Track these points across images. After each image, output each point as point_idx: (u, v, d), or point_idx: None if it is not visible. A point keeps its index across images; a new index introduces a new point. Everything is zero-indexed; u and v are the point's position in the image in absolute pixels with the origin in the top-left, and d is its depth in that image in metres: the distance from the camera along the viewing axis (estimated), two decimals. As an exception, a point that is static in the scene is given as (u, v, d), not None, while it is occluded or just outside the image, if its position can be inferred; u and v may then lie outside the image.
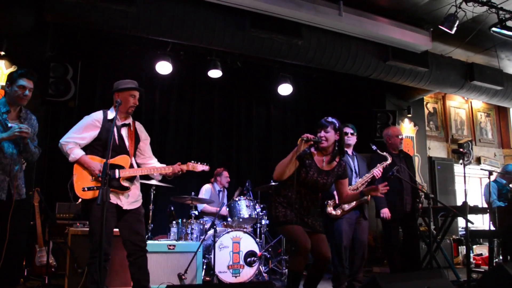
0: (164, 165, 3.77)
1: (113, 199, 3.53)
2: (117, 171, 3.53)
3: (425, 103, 8.56)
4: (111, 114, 3.66)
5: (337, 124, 3.67)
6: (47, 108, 5.78)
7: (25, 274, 4.85)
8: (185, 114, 7.34)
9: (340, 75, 6.80)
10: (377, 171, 4.61)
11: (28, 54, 5.45)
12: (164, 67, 6.49)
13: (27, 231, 4.92)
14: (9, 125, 3.46)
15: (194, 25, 5.30)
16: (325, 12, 5.53)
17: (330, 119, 3.71)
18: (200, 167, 3.77)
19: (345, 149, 4.72)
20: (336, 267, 4.65)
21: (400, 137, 5.22)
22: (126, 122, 3.71)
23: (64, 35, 6.01)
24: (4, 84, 5.25)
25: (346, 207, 4.57)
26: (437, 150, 8.67)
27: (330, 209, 4.59)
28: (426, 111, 8.60)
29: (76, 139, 3.56)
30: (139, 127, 3.84)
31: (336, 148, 3.67)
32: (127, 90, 3.68)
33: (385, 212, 4.96)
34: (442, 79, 6.89)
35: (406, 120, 8.01)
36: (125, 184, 3.58)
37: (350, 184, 4.64)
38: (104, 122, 3.62)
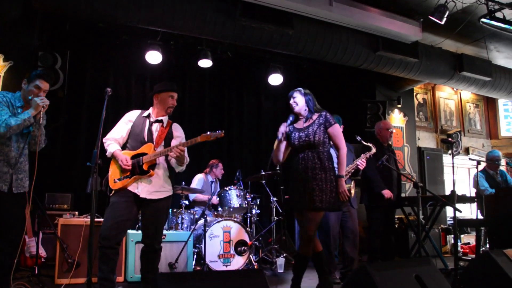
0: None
1: (132, 187, 3.59)
2: (141, 158, 3.61)
3: (414, 93, 8.62)
4: (148, 112, 3.82)
5: (301, 90, 3.90)
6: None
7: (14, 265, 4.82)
8: (176, 104, 7.30)
9: (331, 66, 6.81)
10: (361, 161, 4.64)
11: (16, 42, 5.39)
12: (154, 57, 6.44)
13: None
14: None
15: (185, 13, 5.27)
16: (316, 2, 5.53)
17: (296, 89, 3.93)
18: (214, 135, 3.60)
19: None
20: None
21: (390, 130, 5.30)
22: (159, 118, 3.79)
23: (53, 24, 5.93)
24: (-8, 73, 5.27)
25: None
26: (427, 140, 8.75)
27: None
28: (415, 102, 8.66)
29: (114, 135, 3.77)
30: (175, 126, 3.90)
31: (307, 110, 3.83)
32: (166, 91, 3.79)
33: (387, 193, 4.99)
34: (431, 70, 6.93)
35: (396, 110, 8.06)
36: (147, 169, 3.60)
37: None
38: (138, 118, 3.79)
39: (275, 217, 5.89)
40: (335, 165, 3.84)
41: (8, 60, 5.38)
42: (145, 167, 3.59)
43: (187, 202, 5.68)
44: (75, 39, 6.25)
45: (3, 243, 3.48)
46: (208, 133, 3.53)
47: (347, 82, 7.94)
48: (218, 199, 5.91)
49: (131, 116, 3.83)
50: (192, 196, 6.33)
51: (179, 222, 5.41)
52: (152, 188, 3.63)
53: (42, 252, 4.96)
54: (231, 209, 5.59)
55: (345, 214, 4.76)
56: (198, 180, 6.45)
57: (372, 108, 7.28)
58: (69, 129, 6.36)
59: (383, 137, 5.23)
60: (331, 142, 3.80)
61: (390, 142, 5.36)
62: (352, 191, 4.69)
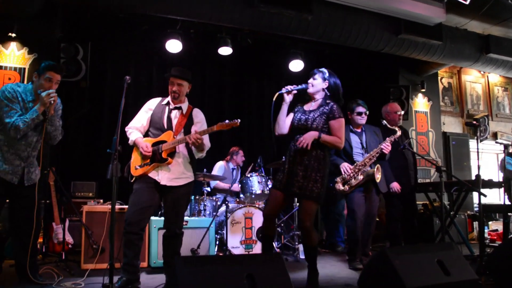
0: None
1: (153, 174, 3.67)
2: (160, 145, 3.66)
3: (439, 78, 8.40)
4: (167, 99, 3.85)
5: (326, 73, 3.79)
6: (60, 88, 5.83)
7: (43, 250, 4.97)
8: (196, 92, 7.32)
9: (352, 50, 6.68)
10: (386, 145, 4.58)
11: (39, 35, 5.51)
12: (174, 46, 6.46)
13: (44, 210, 5.04)
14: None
15: (203, 1, 5.26)
16: (335, -15, 5.44)
17: (321, 69, 3.83)
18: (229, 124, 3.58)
19: (354, 128, 4.77)
20: (352, 241, 4.69)
21: (398, 113, 5.22)
22: (178, 105, 3.82)
23: (74, 16, 6.01)
24: (18, 66, 5.40)
25: (353, 182, 4.55)
26: (452, 125, 8.55)
27: (338, 186, 4.59)
28: (440, 86, 8.45)
29: (135, 124, 3.84)
30: (196, 112, 3.91)
31: (323, 96, 3.74)
32: (168, 77, 3.83)
33: (395, 186, 4.98)
34: (456, 52, 6.73)
35: (420, 95, 7.89)
36: (166, 157, 3.65)
37: (351, 160, 4.64)
38: (158, 106, 3.84)
39: (297, 203, 5.88)
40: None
41: (32, 53, 5.51)
42: (164, 155, 3.64)
43: (209, 189, 5.73)
44: (96, 30, 6.33)
45: (19, 232, 3.59)
46: (226, 121, 3.52)
47: (369, 67, 7.78)
48: (239, 186, 5.95)
49: (151, 104, 3.88)
50: (213, 184, 6.38)
51: (202, 209, 5.46)
52: (172, 175, 3.68)
53: (69, 238, 5.11)
54: (253, 196, 5.61)
55: (365, 197, 4.72)
56: (219, 168, 6.50)
57: (395, 93, 7.14)
58: (92, 118, 6.49)
59: (391, 121, 5.14)
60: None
61: (400, 124, 5.24)
62: (378, 176, 4.63)
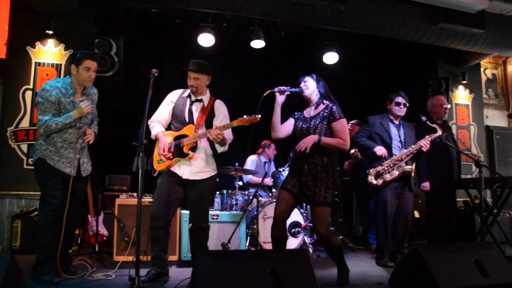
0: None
1: (175, 168, 3.68)
2: (181, 140, 3.65)
3: (482, 69, 8.00)
4: (188, 91, 3.84)
5: (314, 76, 3.70)
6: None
7: (79, 242, 5.09)
8: (230, 86, 7.33)
9: (388, 41, 6.47)
10: (425, 143, 4.40)
11: (74, 32, 5.62)
12: (206, 40, 6.44)
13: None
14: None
15: (234, -6, 5.22)
16: (369, -27, 5.27)
17: (309, 74, 3.73)
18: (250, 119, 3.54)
19: (393, 119, 4.60)
20: (380, 238, 4.56)
21: (445, 106, 5.00)
22: (199, 98, 3.79)
23: (108, 12, 6.11)
24: (55, 62, 5.54)
25: (388, 177, 4.40)
26: (496, 119, 8.13)
27: (371, 178, 4.45)
28: (483, 78, 8.05)
29: (157, 117, 3.85)
30: (217, 104, 3.88)
31: (319, 96, 3.65)
32: (187, 71, 3.79)
33: (426, 186, 4.81)
34: (501, 41, 6.37)
35: (461, 87, 7.54)
36: (187, 151, 3.64)
37: (390, 154, 4.48)
38: (179, 98, 3.83)
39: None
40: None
41: (68, 49, 5.63)
42: (185, 150, 3.63)
43: (241, 183, 5.70)
44: (129, 25, 6.41)
45: (68, 221, 3.67)
46: (245, 117, 3.48)
47: (406, 59, 7.51)
48: (272, 180, 5.88)
49: (173, 96, 3.87)
50: (246, 178, 6.35)
51: (233, 203, 5.44)
52: (194, 169, 3.66)
53: (104, 231, 5.21)
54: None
55: (402, 197, 4.55)
56: (251, 162, 6.45)
57: (434, 85, 6.84)
58: (126, 112, 6.59)
59: (437, 114, 4.93)
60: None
61: (445, 118, 5.02)
62: (413, 174, 4.48)
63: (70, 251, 4.07)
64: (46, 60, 5.55)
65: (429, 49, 6.80)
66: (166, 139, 3.70)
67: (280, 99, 3.63)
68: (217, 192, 5.51)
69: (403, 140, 4.58)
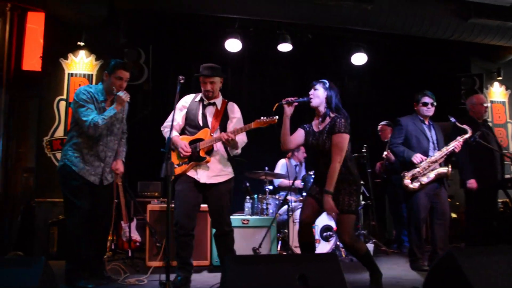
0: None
1: (191, 173, 3.68)
2: (197, 144, 3.67)
3: (519, 63, 7.72)
4: (201, 95, 3.83)
5: (327, 83, 3.52)
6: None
7: (113, 247, 5.19)
8: (257, 90, 7.34)
9: (417, 40, 6.33)
10: (457, 144, 4.27)
11: (104, 42, 5.77)
12: (233, 45, 6.48)
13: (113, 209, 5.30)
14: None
15: (259, -2, 5.24)
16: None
17: (322, 80, 3.56)
18: (267, 121, 3.53)
19: (423, 119, 4.48)
20: (412, 241, 4.44)
21: (485, 105, 4.84)
22: (212, 101, 3.80)
23: (136, 22, 6.24)
24: (87, 72, 5.70)
25: (425, 180, 4.29)
26: (536, 116, 7.82)
27: (407, 182, 4.35)
28: (520, 73, 7.76)
29: (168, 122, 3.85)
30: (230, 107, 3.88)
31: (327, 107, 3.48)
32: (200, 76, 3.78)
33: (472, 183, 4.64)
34: (538, 34, 6.14)
35: (496, 84, 7.28)
36: (203, 155, 3.66)
37: (425, 155, 4.36)
38: (192, 103, 3.83)
39: (363, 202, 5.67)
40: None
41: (99, 59, 5.79)
42: (201, 154, 3.64)
43: (271, 187, 5.68)
44: (156, 34, 6.53)
45: (98, 228, 3.75)
46: (262, 118, 3.47)
47: (436, 56, 7.32)
48: (302, 183, 5.84)
49: (185, 101, 3.86)
50: (277, 182, 6.32)
51: (264, 207, 5.43)
52: (211, 172, 3.67)
53: (137, 236, 5.29)
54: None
55: (435, 197, 4.42)
56: (281, 165, 6.42)
57: (466, 83, 6.64)
58: (156, 119, 6.67)
59: (477, 113, 4.77)
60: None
61: (485, 118, 4.86)
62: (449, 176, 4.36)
63: (105, 256, 4.15)
64: (78, 71, 5.72)
65: (460, 46, 6.62)
66: (181, 141, 3.70)
67: (288, 110, 3.50)
68: (248, 197, 5.51)
69: (435, 141, 4.47)
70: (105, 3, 5.34)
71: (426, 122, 4.55)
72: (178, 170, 3.69)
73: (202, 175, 3.66)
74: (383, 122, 6.15)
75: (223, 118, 3.76)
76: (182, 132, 3.86)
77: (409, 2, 5.49)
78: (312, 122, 3.62)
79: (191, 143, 3.70)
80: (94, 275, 3.73)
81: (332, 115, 3.45)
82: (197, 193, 3.68)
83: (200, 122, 3.73)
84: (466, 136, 4.35)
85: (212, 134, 3.67)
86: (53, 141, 5.51)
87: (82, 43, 5.68)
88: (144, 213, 5.01)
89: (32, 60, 6.16)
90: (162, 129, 3.89)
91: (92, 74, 5.73)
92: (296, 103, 3.51)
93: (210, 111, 3.78)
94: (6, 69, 5.99)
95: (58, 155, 5.49)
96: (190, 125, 3.77)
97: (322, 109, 3.50)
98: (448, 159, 4.41)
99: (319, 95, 3.48)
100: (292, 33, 6.58)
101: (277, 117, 3.43)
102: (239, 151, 3.77)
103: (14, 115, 6.05)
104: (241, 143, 3.71)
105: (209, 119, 3.75)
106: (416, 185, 4.31)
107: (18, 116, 6.08)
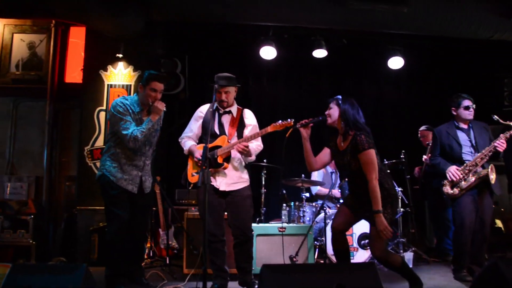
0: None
1: (211, 180, 3.71)
2: (215, 151, 3.72)
3: None
4: (216, 104, 3.88)
5: (339, 98, 3.49)
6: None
7: (151, 255, 5.28)
8: (293, 97, 7.31)
9: (456, 41, 6.14)
10: (500, 142, 4.09)
11: (142, 53, 5.93)
12: (268, 52, 6.48)
13: (152, 217, 5.41)
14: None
15: (292, 4, 5.22)
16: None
17: (336, 96, 3.54)
18: (283, 124, 3.57)
19: (460, 123, 4.35)
20: (457, 249, 4.29)
21: None
22: (228, 110, 3.86)
23: (172, 33, 6.36)
24: (125, 83, 5.85)
25: (464, 184, 4.14)
26: None
27: (446, 189, 4.22)
28: None
29: (186, 133, 3.96)
30: (246, 114, 3.95)
31: (344, 123, 3.43)
32: (217, 85, 3.83)
33: None
34: None
35: (542, 84, 6.98)
36: (221, 161, 3.71)
37: (460, 162, 4.22)
38: (208, 112, 3.89)
39: (401, 209, 5.54)
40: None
41: (137, 70, 5.93)
42: (219, 160, 3.69)
43: (307, 195, 5.64)
44: (192, 43, 6.64)
45: (137, 236, 3.82)
46: (279, 122, 3.51)
47: (477, 57, 7.08)
48: (339, 191, 5.77)
49: (201, 111, 3.96)
50: (314, 190, 6.27)
51: (301, 215, 5.39)
52: (230, 180, 3.72)
53: (175, 244, 5.37)
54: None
55: (478, 202, 4.26)
56: (318, 173, 6.35)
57: (510, 84, 6.40)
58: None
59: None
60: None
61: None
62: (492, 177, 4.15)
63: (143, 263, 4.22)
64: (117, 82, 5.88)
65: (503, 45, 6.37)
66: (198, 150, 3.78)
67: (305, 133, 3.51)
68: (284, 204, 5.49)
69: (474, 144, 4.31)
70: (142, 15, 5.47)
71: (465, 126, 4.41)
72: (196, 178, 3.73)
73: (221, 183, 3.71)
74: (422, 128, 6.00)
75: (239, 125, 3.83)
76: (200, 141, 3.93)
77: (446, 2, 5.32)
78: (336, 140, 3.58)
79: (209, 150, 3.72)
80: (133, 281, 3.81)
81: (351, 132, 3.40)
82: (219, 199, 3.74)
83: (217, 131, 3.78)
84: (511, 132, 4.17)
85: (229, 141, 3.73)
86: (94, 151, 5.68)
87: (120, 55, 5.84)
88: (182, 221, 5.07)
89: (74, 73, 6.43)
90: (179, 140, 3.98)
91: (130, 85, 5.89)
92: (311, 124, 3.52)
93: (226, 119, 3.85)
94: (50, 82, 6.27)
95: (98, 164, 5.64)
96: (208, 134, 3.74)
97: (341, 126, 3.47)
98: (494, 160, 4.23)
99: (332, 113, 3.49)
100: (326, 38, 6.53)
101: (293, 119, 3.49)
102: (253, 158, 3.84)
103: (58, 126, 6.31)
104: (255, 150, 3.77)
105: (226, 127, 3.82)
106: (456, 190, 4.17)
107: (61, 127, 6.35)
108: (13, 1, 5.09)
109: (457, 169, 4.17)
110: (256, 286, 3.75)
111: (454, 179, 4.16)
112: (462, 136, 4.35)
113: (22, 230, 5.26)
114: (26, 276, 2.59)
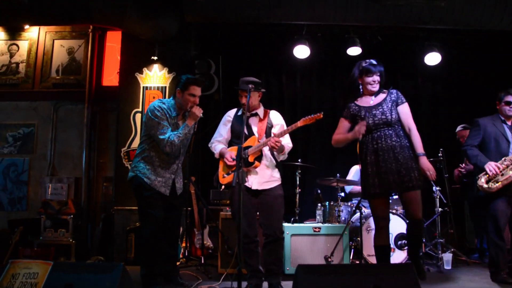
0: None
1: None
2: (246, 151, 3.73)
3: None
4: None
5: (382, 67, 3.73)
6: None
7: (186, 254, 5.34)
8: (327, 96, 7.22)
9: (497, 34, 5.92)
10: None
11: (176, 55, 6.01)
12: (302, 51, 6.44)
13: (188, 217, 5.47)
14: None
15: (326, 3, 5.18)
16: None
17: (374, 62, 3.72)
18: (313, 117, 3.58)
19: (505, 120, 4.18)
20: (492, 250, 4.10)
21: None
22: (254, 112, 3.90)
23: (205, 34, 6.43)
24: (160, 85, 5.95)
25: (500, 178, 3.91)
26: None
27: (481, 182, 4.01)
28: None
29: (216, 137, 3.99)
30: (273, 115, 3.97)
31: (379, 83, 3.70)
32: (239, 90, 3.90)
33: None
34: None
35: None
36: (252, 160, 3.71)
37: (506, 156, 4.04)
38: (235, 116, 3.95)
39: (439, 208, 5.38)
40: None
41: (171, 72, 6.01)
42: (250, 159, 3.68)
43: (343, 194, 5.56)
44: (226, 44, 6.66)
45: (169, 237, 3.87)
46: (308, 116, 3.52)
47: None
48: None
49: (229, 115, 3.99)
50: (348, 189, 6.18)
51: (336, 215, 5.33)
52: (262, 179, 3.70)
53: (210, 244, 5.40)
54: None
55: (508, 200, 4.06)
56: (355, 172, 6.26)
57: (556, 79, 6.11)
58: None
59: None
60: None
61: None
62: None
63: (178, 263, 4.27)
64: (152, 84, 5.98)
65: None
66: (229, 152, 3.81)
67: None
68: (319, 204, 5.43)
69: None
70: (176, 18, 5.55)
71: (509, 123, 4.23)
72: (228, 179, 3.76)
73: (254, 182, 3.70)
74: (459, 128, 5.81)
75: (267, 125, 3.83)
76: (230, 145, 3.94)
77: (486, -5, 5.17)
78: (358, 103, 3.73)
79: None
80: (168, 281, 3.85)
81: (385, 90, 3.70)
82: (251, 199, 3.72)
83: (246, 132, 3.76)
84: None
85: (259, 141, 3.73)
86: (130, 152, 5.79)
87: (155, 58, 5.95)
88: (217, 221, 5.10)
89: (110, 76, 6.59)
90: (209, 145, 4.01)
91: (165, 87, 5.97)
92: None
93: (254, 121, 3.87)
94: (88, 86, 6.45)
95: (133, 165, 5.77)
96: (237, 137, 3.80)
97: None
98: None
99: (379, 81, 3.69)
100: (361, 36, 6.42)
101: (322, 112, 3.52)
102: (285, 156, 3.85)
103: (95, 128, 6.48)
104: (287, 148, 3.76)
105: (254, 128, 3.83)
106: (492, 185, 3.96)
107: (99, 129, 6.53)
108: (54, 10, 5.25)
109: (496, 166, 3.99)
110: None
111: (493, 173, 3.96)
112: (509, 133, 4.17)
113: (62, 229, 5.44)
114: (67, 274, 2.67)
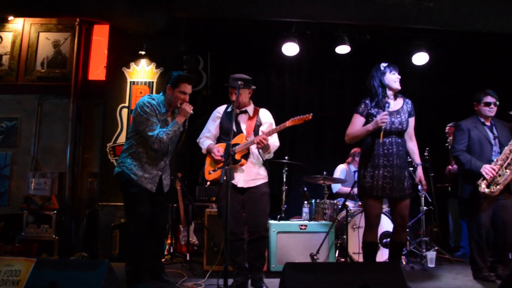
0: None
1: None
2: (233, 148, 3.72)
3: None
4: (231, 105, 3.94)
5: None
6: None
7: (171, 251, 5.30)
8: (315, 94, 7.23)
9: (484, 36, 5.97)
10: None
11: (164, 50, 5.94)
12: (290, 49, 6.43)
13: (173, 213, 5.43)
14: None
15: (316, 0, 5.16)
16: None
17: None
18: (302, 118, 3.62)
19: (483, 120, 4.23)
20: (473, 249, 4.16)
21: None
22: (243, 109, 3.90)
23: (194, 30, 6.37)
24: (148, 80, 5.89)
25: (500, 180, 3.95)
26: None
27: (483, 189, 4.00)
28: None
29: (204, 133, 4.00)
30: (262, 113, 3.97)
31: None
32: (229, 87, 3.89)
33: None
34: None
35: None
36: (239, 158, 3.71)
37: (489, 163, 4.08)
38: (224, 113, 3.94)
39: (424, 207, 5.42)
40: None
41: (159, 67, 5.95)
42: (237, 157, 3.69)
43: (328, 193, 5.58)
44: (214, 40, 6.63)
45: (155, 234, 3.83)
46: (297, 116, 3.55)
47: (506, 52, 6.87)
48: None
49: (218, 111, 3.99)
50: (335, 188, 6.20)
51: (322, 212, 5.34)
52: (248, 176, 3.72)
53: (195, 240, 5.37)
54: None
55: (498, 203, 4.12)
56: (340, 171, 6.28)
57: (541, 81, 6.20)
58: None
59: None
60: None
61: None
62: None
63: (163, 259, 4.23)
64: (140, 79, 5.92)
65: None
66: (217, 148, 3.81)
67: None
68: (305, 202, 5.44)
69: (497, 143, 4.18)
70: (165, 13, 5.49)
71: (488, 123, 4.28)
72: (213, 175, 3.76)
73: (239, 180, 3.71)
74: (450, 124, 5.87)
75: (256, 124, 3.83)
76: (218, 141, 3.94)
77: (473, -4, 5.21)
78: (369, 101, 3.84)
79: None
80: (153, 277, 3.81)
81: (400, 97, 3.85)
82: (238, 196, 3.72)
83: (235, 129, 3.75)
84: None
85: (247, 139, 3.73)
86: (116, 147, 5.73)
87: (143, 52, 5.87)
88: (202, 217, 5.07)
89: (97, 70, 6.50)
90: (198, 140, 4.00)
91: (152, 82, 5.91)
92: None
93: (243, 118, 3.87)
94: (74, 80, 6.35)
95: (120, 161, 5.71)
96: (225, 133, 3.80)
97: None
98: None
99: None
100: (350, 34, 6.44)
101: (311, 114, 3.55)
102: (271, 155, 3.86)
103: (81, 123, 6.40)
104: (273, 146, 3.77)
105: (243, 126, 3.83)
106: (494, 188, 3.98)
107: (84, 124, 6.44)
108: (40, 1, 5.15)
109: (492, 168, 4.00)
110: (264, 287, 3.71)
111: (491, 176, 3.98)
112: (490, 135, 4.22)
113: (45, 225, 5.36)
114: (50, 272, 2.63)
